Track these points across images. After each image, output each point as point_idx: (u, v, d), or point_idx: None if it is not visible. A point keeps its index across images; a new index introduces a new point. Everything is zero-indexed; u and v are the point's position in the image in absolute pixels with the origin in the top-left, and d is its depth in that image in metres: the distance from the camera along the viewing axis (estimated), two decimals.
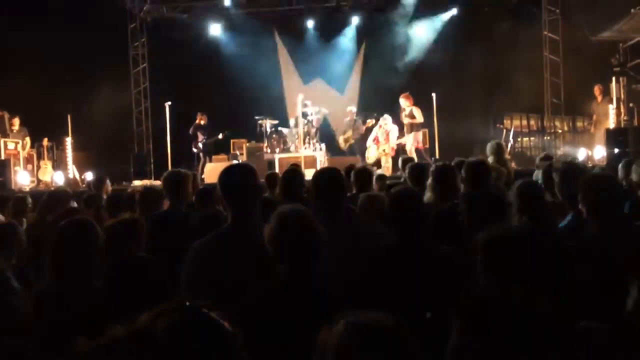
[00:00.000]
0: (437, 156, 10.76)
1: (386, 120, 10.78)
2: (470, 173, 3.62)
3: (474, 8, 13.94)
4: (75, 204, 5.14)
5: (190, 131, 12.00)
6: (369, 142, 11.02)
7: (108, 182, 6.33)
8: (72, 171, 11.62)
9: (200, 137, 11.98)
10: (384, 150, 10.76)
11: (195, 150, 12.09)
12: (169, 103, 11.05)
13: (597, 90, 11.06)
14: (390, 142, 10.73)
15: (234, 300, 1.88)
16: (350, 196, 3.94)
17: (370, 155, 10.90)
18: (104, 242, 2.53)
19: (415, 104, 10.66)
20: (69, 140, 11.67)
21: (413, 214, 2.55)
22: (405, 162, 6.48)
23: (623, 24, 10.51)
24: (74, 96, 11.40)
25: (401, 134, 10.84)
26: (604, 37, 11.26)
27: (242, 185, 2.41)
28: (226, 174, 2.45)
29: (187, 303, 1.07)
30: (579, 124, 12.70)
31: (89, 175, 10.20)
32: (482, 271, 1.98)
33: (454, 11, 13.88)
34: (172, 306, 1.04)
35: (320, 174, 3.09)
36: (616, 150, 8.58)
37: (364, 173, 4.55)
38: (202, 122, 12.07)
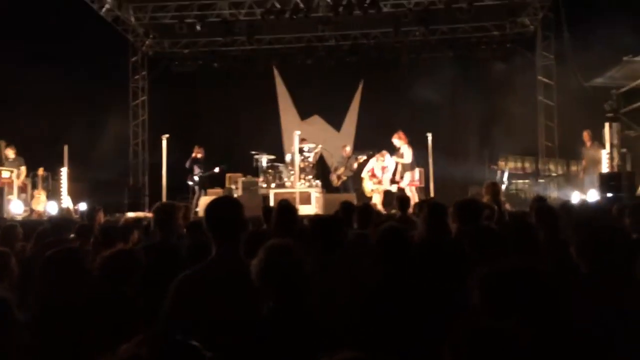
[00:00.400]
0: (432, 196, 10.78)
1: (384, 155, 10.85)
2: (461, 210, 3.64)
3: (470, 51, 14.24)
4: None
5: (187, 164, 12.03)
6: (365, 173, 11.09)
7: (101, 213, 6.30)
8: (66, 201, 11.57)
9: (197, 170, 12.01)
10: (377, 189, 10.85)
11: (190, 183, 12.10)
12: (167, 136, 11.09)
13: (586, 135, 11.21)
14: (384, 182, 10.80)
15: (217, 334, 1.86)
16: (355, 232, 3.98)
17: (366, 188, 10.98)
18: (92, 272, 2.51)
19: (410, 142, 10.74)
20: (64, 171, 11.66)
21: (399, 251, 2.57)
22: (400, 199, 6.50)
23: (615, 71, 10.72)
24: (72, 127, 11.45)
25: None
26: (597, 83, 11.47)
27: (227, 218, 2.40)
28: (211, 206, 2.46)
29: (167, 332, 1.06)
30: (573, 167, 12.78)
31: (83, 206, 10.15)
32: (481, 304, 1.97)
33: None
34: (152, 336, 1.03)
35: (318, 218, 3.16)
36: (609, 195, 8.62)
37: (366, 210, 4.60)
38: (199, 156, 12.11)
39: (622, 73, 10.70)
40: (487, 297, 1.93)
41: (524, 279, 1.94)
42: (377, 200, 10.79)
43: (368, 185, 10.98)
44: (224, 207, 2.46)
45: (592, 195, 9.96)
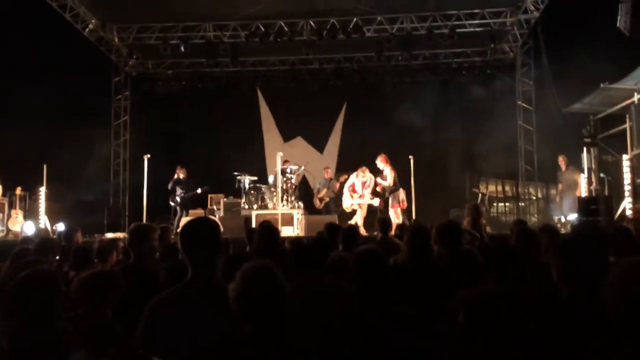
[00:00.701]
0: (414, 218, 10.81)
1: (364, 170, 10.85)
2: (442, 234, 3.66)
3: (452, 75, 14.47)
4: None
5: (169, 186, 11.93)
6: (345, 188, 11.06)
7: (79, 233, 6.21)
8: (44, 221, 11.38)
9: (179, 191, 11.91)
10: (359, 205, 10.83)
11: (172, 203, 11.99)
12: (148, 156, 11.02)
13: (561, 160, 11.42)
14: (365, 197, 10.77)
15: (194, 358, 1.82)
16: (337, 255, 3.94)
17: (346, 204, 10.93)
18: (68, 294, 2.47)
19: (392, 165, 10.77)
20: (42, 190, 11.49)
21: (374, 273, 2.57)
22: (381, 221, 6.49)
23: (593, 98, 10.95)
24: (52, 146, 11.32)
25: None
26: (575, 109, 11.70)
27: (203, 240, 2.34)
28: (187, 227, 2.40)
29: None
30: (552, 191, 12.96)
31: (61, 226, 9.99)
32: (465, 328, 1.96)
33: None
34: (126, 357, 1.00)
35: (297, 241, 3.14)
36: (589, 218, 8.73)
37: (351, 232, 4.59)
38: (181, 176, 12.04)
39: (599, 99, 10.94)
40: (472, 321, 1.93)
41: (507, 303, 1.94)
42: (358, 217, 10.77)
43: (347, 201, 10.94)
44: (199, 228, 2.40)
45: (571, 219, 10.09)
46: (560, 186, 11.52)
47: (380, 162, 10.61)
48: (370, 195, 10.82)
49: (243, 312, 2.02)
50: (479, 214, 6.97)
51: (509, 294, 1.87)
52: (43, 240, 4.85)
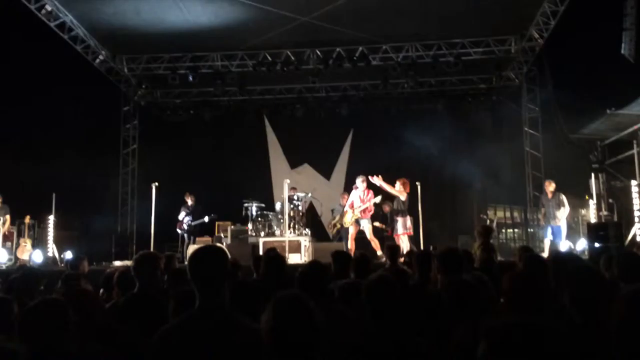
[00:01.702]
0: (422, 245, 10.75)
1: (357, 183, 10.66)
2: (443, 262, 3.64)
3: (458, 102, 14.54)
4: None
5: (180, 216, 11.97)
6: (346, 207, 10.80)
7: (85, 262, 6.21)
8: (52, 250, 11.41)
9: (186, 218, 11.92)
10: (362, 214, 10.55)
11: (179, 231, 12.00)
12: (156, 184, 11.08)
13: (547, 185, 10.69)
14: (365, 202, 10.45)
15: None
16: (351, 282, 3.90)
17: (347, 220, 10.66)
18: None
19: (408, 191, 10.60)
20: (51, 218, 11.56)
21: (387, 302, 2.55)
22: (390, 249, 6.44)
23: (599, 123, 10.96)
24: (60, 174, 11.42)
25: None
26: (582, 135, 11.70)
27: (211, 268, 2.34)
28: (195, 255, 2.40)
29: None
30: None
31: (68, 254, 10.01)
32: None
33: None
34: None
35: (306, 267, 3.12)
36: (597, 245, 8.66)
37: (362, 260, 4.54)
38: (189, 202, 12.06)
39: (606, 125, 10.94)
40: (495, 352, 1.85)
41: (533, 334, 1.87)
42: (366, 226, 10.44)
43: (349, 217, 10.66)
44: (207, 256, 2.40)
45: (581, 245, 10.00)
46: (543, 211, 10.72)
47: (401, 187, 10.33)
48: (369, 200, 10.48)
49: (278, 346, 1.93)
50: (489, 232, 6.94)
51: (533, 324, 1.82)
52: (26, 273, 4.78)
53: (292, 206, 11.28)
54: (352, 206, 10.56)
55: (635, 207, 9.63)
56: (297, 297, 2.04)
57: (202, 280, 2.32)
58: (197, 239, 11.87)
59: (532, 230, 13.44)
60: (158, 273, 3.70)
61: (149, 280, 3.60)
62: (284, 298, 2.02)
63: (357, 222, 10.43)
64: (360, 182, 10.50)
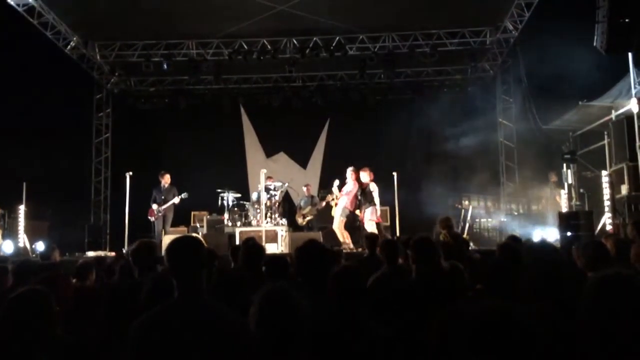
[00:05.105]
0: (398, 234, 10.83)
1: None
2: (418, 251, 3.66)
3: (434, 94, 14.62)
4: None
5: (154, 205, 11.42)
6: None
7: (57, 252, 6.12)
8: (23, 240, 11.18)
9: (154, 205, 11.37)
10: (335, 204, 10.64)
11: (151, 219, 11.42)
12: (130, 173, 10.91)
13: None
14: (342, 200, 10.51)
15: None
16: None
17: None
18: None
19: (375, 180, 10.66)
20: (22, 208, 11.31)
21: (350, 290, 2.57)
22: (369, 239, 6.47)
23: (572, 115, 11.16)
24: (31, 163, 11.17)
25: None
26: (555, 126, 11.89)
27: (188, 258, 2.38)
28: (172, 246, 2.44)
29: None
30: (534, 206, 13.10)
31: (40, 245, 9.82)
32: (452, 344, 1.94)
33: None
34: None
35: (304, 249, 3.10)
36: (569, 233, 8.83)
37: (391, 245, 4.54)
38: (163, 182, 11.44)
39: (578, 116, 11.15)
40: (462, 336, 1.88)
41: (502, 318, 1.90)
42: (336, 215, 10.42)
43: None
44: (183, 246, 2.44)
45: (553, 234, 10.19)
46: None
47: (367, 177, 10.38)
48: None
49: (265, 338, 1.96)
50: (450, 225, 7.04)
51: (501, 308, 1.84)
52: (23, 263, 4.73)
53: (268, 196, 11.24)
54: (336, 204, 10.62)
55: (605, 197, 9.83)
56: (283, 289, 2.05)
57: (179, 270, 2.36)
58: (172, 228, 11.69)
59: (504, 219, 13.64)
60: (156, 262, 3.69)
61: (149, 268, 3.59)
62: (270, 292, 2.05)
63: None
64: (349, 173, 10.49)
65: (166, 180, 11.49)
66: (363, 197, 10.37)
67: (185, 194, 11.34)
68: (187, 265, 2.36)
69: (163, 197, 11.36)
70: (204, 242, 2.52)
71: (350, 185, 10.40)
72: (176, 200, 11.29)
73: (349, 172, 10.44)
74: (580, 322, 1.70)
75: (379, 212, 10.41)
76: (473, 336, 1.69)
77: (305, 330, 1.98)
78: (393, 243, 4.66)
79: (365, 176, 10.32)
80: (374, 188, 10.32)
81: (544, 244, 4.71)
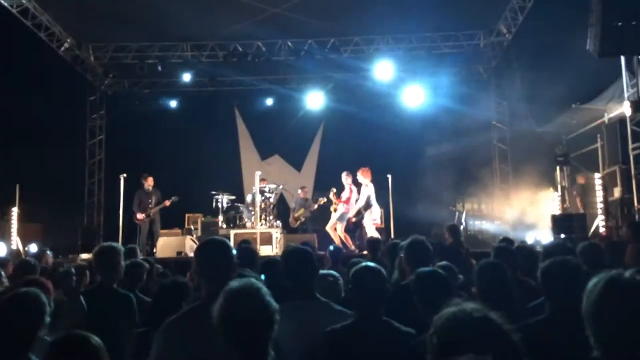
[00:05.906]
0: (393, 236, 10.83)
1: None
2: (410, 255, 3.67)
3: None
4: None
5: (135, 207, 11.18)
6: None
7: (48, 254, 6.10)
8: (16, 243, 11.12)
9: (144, 204, 11.15)
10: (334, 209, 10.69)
11: (139, 222, 11.21)
12: (124, 175, 10.87)
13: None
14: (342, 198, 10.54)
15: None
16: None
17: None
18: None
19: (371, 181, 10.59)
20: (15, 211, 11.25)
21: (373, 293, 2.58)
22: (371, 242, 6.48)
23: (565, 117, 11.23)
24: (25, 165, 11.11)
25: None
26: (548, 129, 11.96)
27: (222, 259, 2.40)
28: (205, 248, 2.48)
29: None
30: (528, 208, 13.13)
31: (33, 247, 9.77)
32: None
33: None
34: None
35: (290, 254, 3.11)
36: (562, 236, 8.87)
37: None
38: (146, 186, 11.24)
39: (571, 119, 11.21)
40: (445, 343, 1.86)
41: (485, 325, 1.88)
42: (333, 217, 10.52)
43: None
44: (218, 248, 2.47)
45: (546, 236, 10.24)
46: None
47: (362, 177, 10.32)
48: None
49: (228, 336, 1.89)
50: (459, 233, 7.06)
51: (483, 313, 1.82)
52: (21, 264, 4.71)
53: (263, 198, 11.23)
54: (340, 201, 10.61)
55: (598, 200, 9.89)
56: (249, 285, 1.99)
57: (214, 272, 2.38)
58: (166, 231, 11.63)
59: (498, 222, 13.68)
60: (120, 266, 3.66)
61: (111, 273, 3.58)
62: (235, 287, 1.98)
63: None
64: (343, 178, 10.49)
65: (149, 183, 11.29)
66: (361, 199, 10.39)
67: (175, 197, 11.21)
68: (221, 266, 2.41)
69: (150, 200, 11.20)
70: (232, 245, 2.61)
71: (347, 192, 10.43)
72: (167, 202, 11.16)
73: (344, 177, 10.45)
74: (588, 323, 1.66)
75: (377, 214, 10.40)
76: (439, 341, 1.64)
77: (273, 324, 1.92)
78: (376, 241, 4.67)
79: (360, 177, 10.30)
80: (365, 190, 10.24)
81: (561, 245, 4.69)
